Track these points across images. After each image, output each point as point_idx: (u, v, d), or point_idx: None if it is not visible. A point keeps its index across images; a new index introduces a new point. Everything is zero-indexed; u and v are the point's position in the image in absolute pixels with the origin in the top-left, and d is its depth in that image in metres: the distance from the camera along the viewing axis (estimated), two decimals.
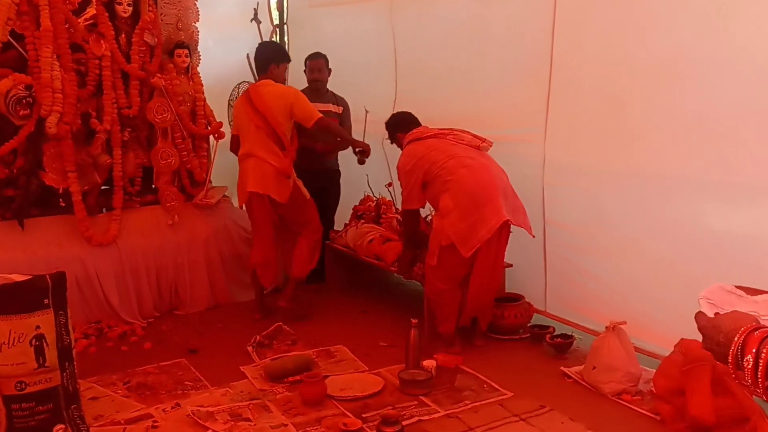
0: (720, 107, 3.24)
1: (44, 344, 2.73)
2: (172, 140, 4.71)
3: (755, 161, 3.13)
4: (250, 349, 3.97)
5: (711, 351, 1.19)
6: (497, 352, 3.94)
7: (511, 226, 3.79)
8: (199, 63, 4.95)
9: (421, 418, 3.16)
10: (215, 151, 4.99)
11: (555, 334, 3.98)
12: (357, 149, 4.55)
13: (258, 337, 4.06)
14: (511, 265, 4.29)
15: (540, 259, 4.24)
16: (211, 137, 4.97)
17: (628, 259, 3.77)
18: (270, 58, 4.47)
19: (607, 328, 3.45)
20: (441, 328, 3.92)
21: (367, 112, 4.90)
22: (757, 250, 3.16)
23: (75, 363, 2.88)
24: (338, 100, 5.11)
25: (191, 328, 4.42)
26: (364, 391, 3.39)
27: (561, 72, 4.01)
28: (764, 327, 1.08)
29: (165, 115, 4.63)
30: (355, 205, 5.30)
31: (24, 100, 4.04)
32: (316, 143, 4.81)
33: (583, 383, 3.48)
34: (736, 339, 1.10)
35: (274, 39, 6.42)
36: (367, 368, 3.72)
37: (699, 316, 1.22)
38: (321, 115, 4.35)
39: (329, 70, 5.07)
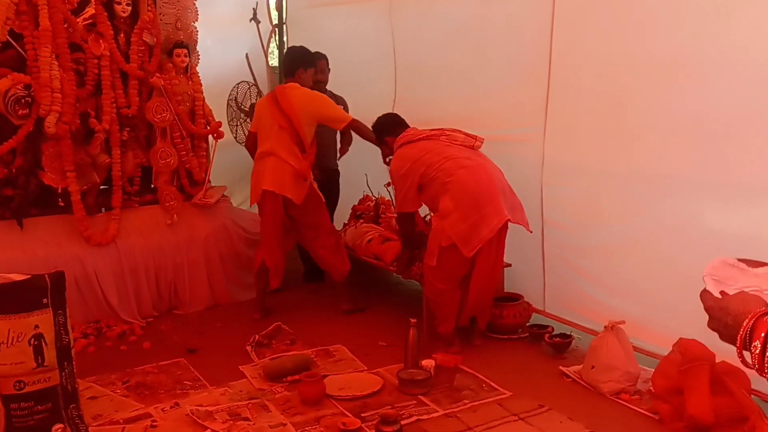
0: (719, 107, 3.25)
1: (43, 344, 2.73)
2: (171, 140, 4.71)
3: (754, 161, 3.13)
4: (249, 348, 3.97)
5: (717, 331, 1.20)
6: (496, 352, 3.95)
7: (509, 224, 3.79)
8: (198, 63, 4.95)
9: (420, 417, 3.16)
10: (214, 150, 4.99)
11: (554, 333, 3.98)
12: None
13: (257, 337, 4.06)
14: (509, 265, 4.29)
15: (539, 258, 4.24)
16: (210, 137, 4.97)
17: (627, 258, 3.77)
18: (298, 62, 4.52)
19: (605, 327, 3.45)
20: (440, 328, 3.92)
21: None
22: (755, 250, 3.15)
23: (74, 362, 2.88)
24: (338, 100, 5.12)
25: (190, 328, 4.42)
26: (363, 391, 3.39)
27: (560, 72, 4.01)
28: None
29: (164, 115, 4.63)
30: (354, 205, 5.31)
31: (23, 100, 4.04)
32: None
33: (582, 383, 3.49)
34: (745, 323, 1.11)
35: (273, 39, 6.43)
36: (366, 368, 3.72)
37: (705, 295, 1.21)
38: (352, 117, 4.39)
39: (328, 70, 5.07)
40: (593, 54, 3.83)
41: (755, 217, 3.20)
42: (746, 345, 1.09)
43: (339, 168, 5.31)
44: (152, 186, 4.78)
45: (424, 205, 4.03)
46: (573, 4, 3.92)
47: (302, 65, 4.49)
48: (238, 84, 5.43)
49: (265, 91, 5.86)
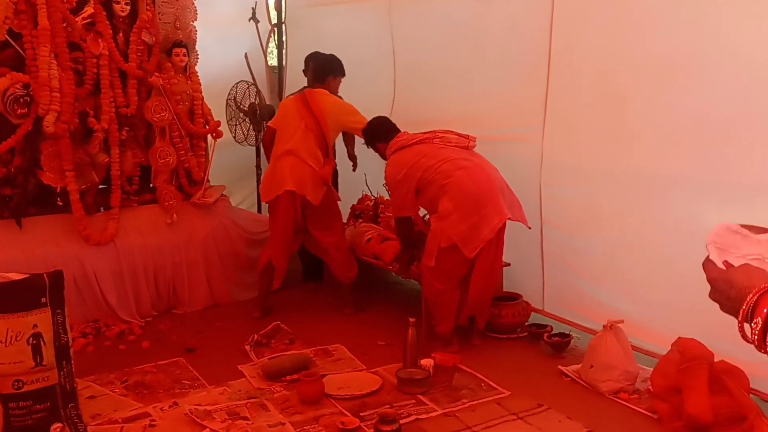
0: (718, 107, 3.25)
1: (41, 343, 2.73)
2: (170, 139, 4.71)
3: (754, 161, 3.13)
4: (247, 347, 3.97)
5: (719, 303, 1.19)
6: (495, 351, 3.95)
7: (507, 222, 3.78)
8: (197, 62, 4.95)
9: (419, 416, 3.16)
10: (213, 150, 4.99)
11: (552, 333, 3.98)
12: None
13: (256, 336, 4.06)
14: (508, 264, 4.29)
15: (537, 258, 4.24)
16: (209, 136, 4.97)
17: (626, 258, 3.77)
18: (330, 70, 4.60)
19: (604, 326, 3.45)
20: (439, 328, 3.91)
21: None
22: None
23: (72, 362, 2.87)
24: None
25: (189, 327, 4.41)
26: (362, 390, 3.39)
27: (559, 71, 4.01)
28: None
29: (163, 114, 4.63)
30: (353, 205, 5.31)
31: (21, 99, 4.04)
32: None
33: (581, 382, 3.49)
34: (749, 298, 1.10)
35: (272, 38, 6.43)
36: (364, 367, 3.72)
37: (708, 265, 1.21)
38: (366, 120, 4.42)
39: None
40: (592, 53, 3.83)
41: (754, 217, 3.16)
42: (747, 319, 1.09)
43: (338, 168, 5.30)
44: (151, 185, 4.78)
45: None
46: (572, 3, 3.92)
47: (332, 73, 4.59)
48: (237, 83, 5.43)
49: (264, 90, 5.87)
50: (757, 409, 2.88)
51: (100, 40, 4.37)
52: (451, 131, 3.97)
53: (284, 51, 6.43)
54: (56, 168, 4.26)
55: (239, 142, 5.52)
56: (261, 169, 5.71)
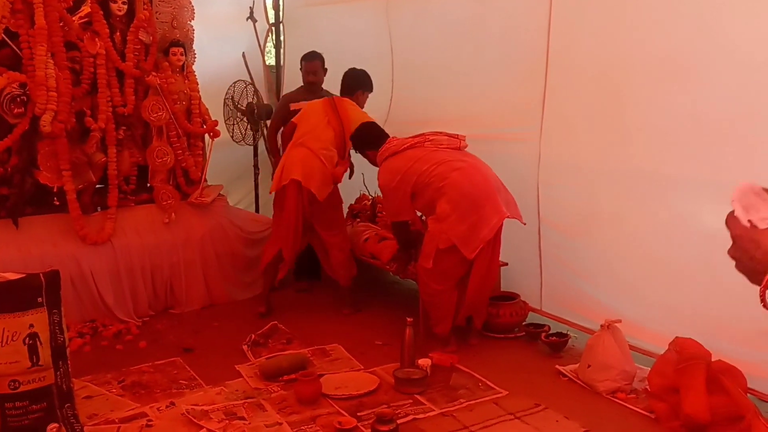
0: (716, 107, 3.25)
1: (38, 343, 2.72)
2: (168, 139, 4.70)
3: (751, 161, 3.13)
4: (245, 347, 3.96)
5: (738, 260, 1.18)
6: (492, 351, 3.95)
7: (504, 221, 3.78)
8: (194, 61, 4.94)
9: (416, 416, 3.16)
10: (210, 149, 4.98)
11: (550, 332, 3.98)
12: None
13: (253, 336, 4.05)
14: (506, 264, 4.30)
15: (535, 257, 4.24)
16: (207, 136, 4.96)
17: (624, 257, 3.77)
18: (360, 84, 4.64)
19: (602, 326, 3.45)
20: (436, 329, 3.91)
21: None
22: None
23: (69, 362, 2.87)
24: None
25: (186, 327, 4.41)
26: (359, 390, 3.39)
27: (557, 71, 4.01)
28: None
29: (160, 114, 4.62)
30: (351, 204, 5.30)
31: (18, 99, 4.04)
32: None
33: (578, 382, 3.49)
34: None
35: (269, 38, 6.42)
36: (362, 367, 3.72)
37: (733, 221, 1.19)
38: None
39: (325, 70, 5.05)
40: (590, 53, 3.83)
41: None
42: None
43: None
44: (148, 185, 4.77)
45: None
46: (570, 3, 3.92)
47: (362, 88, 4.65)
48: (234, 83, 5.42)
49: (261, 90, 5.86)
50: (755, 409, 2.88)
51: (97, 40, 4.36)
52: (441, 132, 3.96)
53: (282, 50, 6.43)
54: (53, 167, 4.26)
55: (237, 142, 5.52)
56: (259, 169, 5.71)
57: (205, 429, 3.04)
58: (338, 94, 5.15)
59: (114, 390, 3.47)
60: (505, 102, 4.36)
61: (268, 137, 5.39)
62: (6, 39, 4.05)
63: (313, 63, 5.01)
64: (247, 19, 6.05)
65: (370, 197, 5.20)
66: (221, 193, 5.07)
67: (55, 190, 4.31)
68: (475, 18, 4.52)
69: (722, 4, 3.21)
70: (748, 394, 3.00)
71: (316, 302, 4.83)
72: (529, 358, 3.85)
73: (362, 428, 3.03)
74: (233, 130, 5.47)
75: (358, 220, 5.10)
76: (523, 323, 4.16)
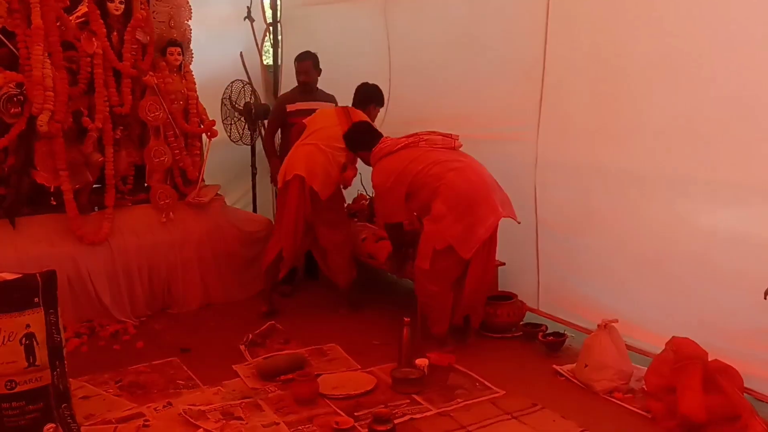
0: (712, 107, 3.26)
1: (34, 343, 2.72)
2: (165, 138, 4.70)
3: (747, 161, 3.14)
4: (242, 347, 3.96)
5: None
6: (490, 351, 3.95)
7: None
8: (191, 61, 4.94)
9: (413, 416, 3.15)
10: (208, 149, 4.98)
11: (547, 332, 3.98)
12: None
13: (251, 336, 4.05)
14: (503, 264, 4.30)
15: (532, 257, 4.25)
16: (204, 135, 4.96)
17: (621, 257, 3.77)
18: (373, 99, 4.62)
19: (599, 326, 3.46)
20: (434, 329, 3.91)
21: None
22: (746, 249, 3.17)
23: (66, 362, 2.87)
24: (328, 98, 5.11)
25: (184, 327, 4.41)
26: (357, 390, 3.39)
27: (554, 71, 4.01)
28: None
29: (157, 114, 4.62)
30: (348, 204, 5.29)
31: (15, 98, 4.03)
32: None
33: (575, 381, 3.49)
34: None
35: (267, 38, 6.41)
36: (359, 367, 3.72)
37: None
38: None
39: (319, 70, 5.03)
40: (587, 53, 3.84)
41: (746, 216, 3.20)
42: None
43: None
44: (146, 185, 4.77)
45: None
46: (567, 4, 3.92)
47: (374, 102, 4.64)
48: (232, 83, 5.42)
49: (259, 90, 5.86)
50: (751, 408, 2.89)
51: (94, 39, 4.36)
52: (435, 132, 3.94)
53: (279, 50, 6.42)
54: (50, 167, 4.25)
55: (234, 142, 5.52)
56: (256, 169, 5.71)
57: (202, 429, 3.04)
58: (337, 94, 5.17)
59: (111, 390, 3.46)
60: (502, 102, 4.36)
61: (265, 141, 5.33)
62: (3, 39, 4.04)
63: (304, 63, 4.99)
64: (244, 19, 6.05)
65: (368, 197, 5.20)
66: (219, 193, 5.06)
67: (52, 189, 4.31)
68: (473, 18, 4.53)
69: (716, 5, 3.22)
70: (745, 394, 3.01)
71: (313, 302, 4.83)
72: (527, 357, 3.86)
73: (359, 428, 3.03)
74: (231, 129, 5.47)
75: (356, 219, 5.10)
76: (521, 323, 4.16)
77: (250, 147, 5.62)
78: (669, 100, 3.45)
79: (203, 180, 4.94)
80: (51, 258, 4.07)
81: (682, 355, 3.01)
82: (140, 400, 3.34)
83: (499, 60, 4.36)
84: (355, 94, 4.69)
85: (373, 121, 4.62)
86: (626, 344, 3.48)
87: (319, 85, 5.13)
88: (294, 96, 5.10)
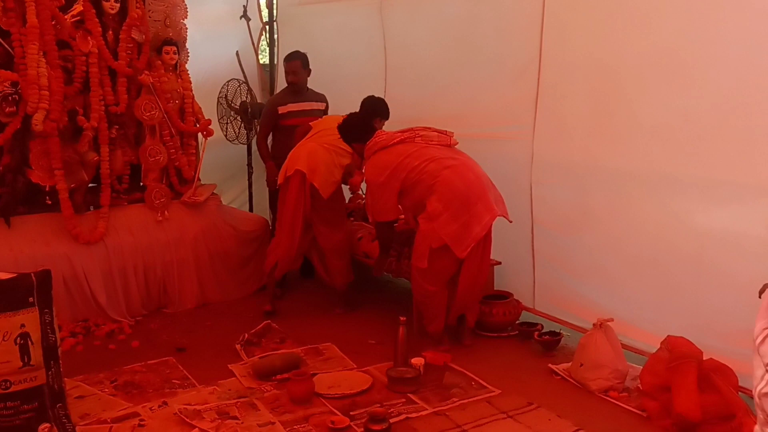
0: (708, 106, 3.26)
1: (29, 343, 2.72)
2: (161, 138, 4.70)
3: (743, 160, 3.15)
4: (238, 347, 3.96)
5: None
6: (485, 350, 3.95)
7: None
8: (187, 60, 4.94)
9: (409, 415, 3.16)
10: (203, 148, 4.97)
11: (543, 331, 3.99)
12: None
13: (246, 335, 4.05)
14: (499, 263, 4.31)
15: (528, 256, 4.25)
16: (200, 135, 4.95)
17: (616, 256, 3.78)
18: (378, 112, 4.46)
19: (594, 325, 3.46)
20: (430, 328, 3.91)
21: None
22: (741, 248, 3.17)
23: (60, 361, 2.86)
24: (319, 98, 5.09)
25: (179, 327, 4.40)
26: (353, 389, 3.39)
27: (550, 70, 4.01)
28: None
29: (153, 113, 4.61)
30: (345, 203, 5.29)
31: (10, 97, 4.03)
32: None
33: (571, 380, 3.49)
34: None
35: (263, 37, 6.40)
36: (355, 366, 3.72)
37: None
38: None
39: (308, 70, 4.99)
40: (583, 52, 3.84)
41: (741, 215, 3.21)
42: None
43: None
44: (141, 184, 4.76)
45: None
46: (563, 2, 3.92)
47: (380, 115, 4.52)
48: (228, 82, 5.41)
49: (255, 89, 5.85)
50: (746, 407, 2.89)
51: (89, 38, 4.35)
52: (431, 128, 3.92)
53: (275, 49, 6.41)
54: (45, 166, 4.24)
55: (230, 141, 5.51)
56: (252, 168, 5.70)
57: (197, 429, 3.03)
58: (333, 93, 5.16)
59: (106, 390, 3.46)
60: (497, 101, 4.36)
61: (258, 144, 5.25)
62: None
63: (293, 63, 4.95)
64: (240, 18, 6.04)
65: (364, 196, 5.19)
66: (215, 192, 5.06)
67: (47, 189, 4.30)
68: (469, 17, 4.53)
69: (714, 3, 3.22)
70: (740, 393, 3.01)
71: (309, 301, 4.83)
72: (522, 356, 3.86)
73: (355, 427, 3.03)
74: (227, 129, 5.46)
75: (352, 219, 5.09)
76: (516, 322, 4.17)
77: (246, 146, 5.62)
78: (664, 100, 3.45)
79: (199, 179, 4.93)
80: (46, 257, 4.07)
81: (678, 354, 3.02)
82: (136, 400, 3.34)
83: (495, 59, 4.36)
84: (361, 106, 4.64)
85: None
86: (622, 343, 3.49)
87: (316, 84, 5.12)
88: (284, 97, 5.07)
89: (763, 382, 1.90)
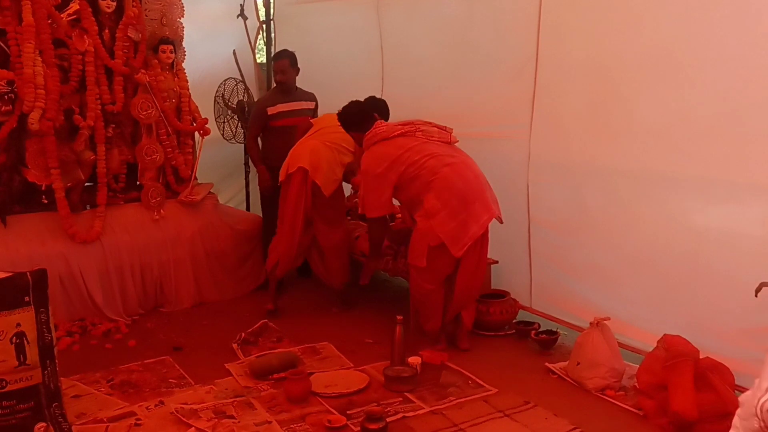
0: (705, 105, 3.27)
1: (25, 342, 2.71)
2: (157, 136, 4.69)
3: (740, 159, 3.15)
4: (235, 346, 3.95)
5: None
6: (482, 349, 3.95)
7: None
8: (184, 59, 4.92)
9: (406, 414, 3.16)
10: (200, 147, 4.97)
11: (540, 330, 3.99)
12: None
13: (243, 334, 4.04)
14: (496, 262, 4.30)
15: (525, 255, 4.25)
16: (197, 134, 4.94)
17: (613, 255, 3.78)
18: (377, 108, 4.34)
19: (591, 324, 3.47)
20: (427, 326, 3.90)
21: None
22: (737, 247, 3.18)
23: (57, 361, 2.85)
24: (308, 97, 5.03)
25: (176, 326, 4.40)
26: (349, 388, 3.39)
27: (546, 69, 4.02)
28: None
29: (149, 112, 4.61)
30: None
31: (6, 96, 4.02)
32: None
33: (568, 379, 3.50)
34: None
35: (260, 36, 6.40)
36: (352, 365, 3.72)
37: None
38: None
39: (297, 69, 4.90)
40: (579, 52, 3.84)
41: (737, 215, 3.22)
42: None
43: None
44: (138, 183, 4.75)
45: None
46: (560, 2, 3.92)
47: (379, 113, 4.39)
48: (225, 81, 5.40)
49: (252, 88, 5.84)
50: None
51: (85, 37, 4.34)
52: (431, 123, 3.89)
53: (272, 48, 6.40)
54: (41, 165, 4.24)
55: (227, 140, 5.50)
56: (249, 167, 5.69)
57: (194, 428, 3.03)
58: (329, 91, 5.14)
59: (103, 389, 3.45)
60: (494, 100, 4.36)
61: (248, 146, 5.16)
62: None
63: (281, 62, 4.87)
64: (237, 17, 6.03)
65: None
66: (211, 191, 5.05)
67: (43, 188, 4.29)
68: (466, 16, 4.53)
69: (710, 3, 3.22)
70: (736, 391, 3.01)
71: (306, 300, 4.82)
72: (519, 355, 3.86)
73: (352, 426, 3.03)
74: (224, 128, 5.46)
75: (349, 218, 5.09)
76: (513, 321, 4.17)
77: (243, 145, 5.60)
78: (660, 99, 3.45)
79: (196, 178, 4.93)
80: (42, 256, 4.06)
81: (674, 353, 3.02)
82: (132, 399, 3.34)
83: (492, 59, 4.36)
84: (364, 100, 4.63)
85: None
86: (618, 342, 3.49)
87: (312, 83, 5.10)
88: (273, 98, 4.97)
89: None
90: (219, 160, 5.66)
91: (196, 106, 4.95)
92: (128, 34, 4.54)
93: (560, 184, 4.02)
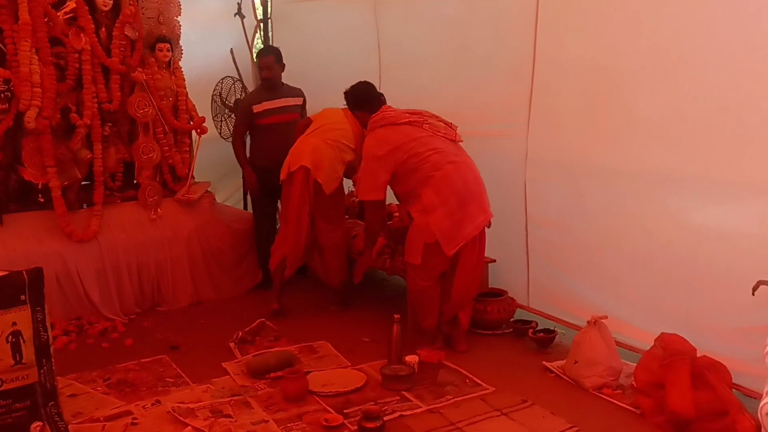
0: (703, 104, 3.27)
1: (21, 341, 2.70)
2: (154, 135, 4.68)
3: (738, 158, 3.15)
4: (232, 345, 3.95)
5: None
6: (480, 347, 3.95)
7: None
8: (181, 57, 4.91)
9: (403, 413, 3.15)
10: (197, 146, 4.95)
11: (537, 328, 3.99)
12: None
13: (240, 333, 4.04)
14: (494, 261, 4.31)
15: (523, 254, 4.25)
16: (194, 132, 4.93)
17: (610, 254, 3.78)
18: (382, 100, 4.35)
19: (588, 322, 3.46)
20: (424, 323, 3.89)
21: None
22: (735, 246, 3.18)
23: (53, 360, 2.84)
24: (295, 93, 4.99)
25: (173, 325, 4.39)
26: (347, 387, 3.39)
27: (544, 68, 4.01)
28: None
29: (146, 110, 4.60)
30: None
31: (2, 95, 4.01)
32: None
33: (565, 378, 3.50)
34: None
35: (257, 34, 6.39)
36: (349, 364, 3.72)
37: None
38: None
39: (282, 65, 4.87)
40: (577, 51, 3.84)
41: (735, 213, 3.22)
42: None
43: None
44: (135, 182, 4.74)
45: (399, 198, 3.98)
46: (557, 1, 3.92)
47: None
48: (222, 79, 5.40)
49: (250, 86, 5.83)
50: (739, 404, 2.90)
51: (82, 35, 4.33)
52: (439, 117, 3.86)
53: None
54: (38, 164, 4.22)
55: (224, 139, 5.50)
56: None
57: (190, 427, 3.02)
58: (326, 89, 5.11)
59: (99, 388, 3.45)
60: (492, 99, 4.36)
61: (234, 146, 5.08)
62: None
63: (266, 58, 4.84)
64: (234, 15, 6.02)
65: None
66: (208, 189, 5.04)
67: (40, 186, 4.28)
68: (463, 14, 4.52)
69: (707, 3, 3.22)
70: (733, 390, 3.02)
71: (303, 299, 4.81)
72: (517, 354, 3.86)
73: (349, 425, 3.03)
74: (221, 126, 5.45)
75: (347, 217, 5.08)
76: (511, 320, 4.17)
77: None
78: (658, 98, 3.45)
79: (193, 177, 4.92)
80: (39, 255, 4.05)
81: (671, 352, 3.02)
82: (129, 398, 3.33)
83: (489, 57, 4.35)
84: (352, 94, 4.63)
85: None
86: (616, 341, 3.49)
87: (310, 82, 5.10)
88: (259, 95, 4.93)
89: None
90: (216, 159, 5.64)
91: (193, 105, 4.94)
92: (125, 32, 4.53)
93: (558, 182, 4.02)
